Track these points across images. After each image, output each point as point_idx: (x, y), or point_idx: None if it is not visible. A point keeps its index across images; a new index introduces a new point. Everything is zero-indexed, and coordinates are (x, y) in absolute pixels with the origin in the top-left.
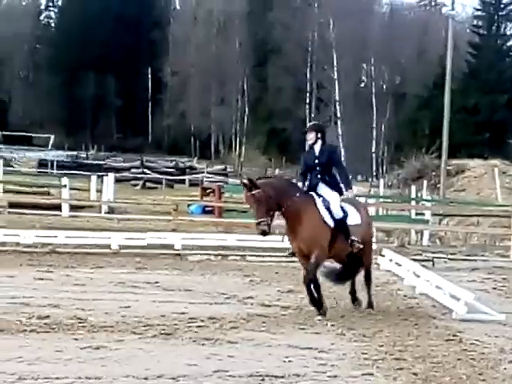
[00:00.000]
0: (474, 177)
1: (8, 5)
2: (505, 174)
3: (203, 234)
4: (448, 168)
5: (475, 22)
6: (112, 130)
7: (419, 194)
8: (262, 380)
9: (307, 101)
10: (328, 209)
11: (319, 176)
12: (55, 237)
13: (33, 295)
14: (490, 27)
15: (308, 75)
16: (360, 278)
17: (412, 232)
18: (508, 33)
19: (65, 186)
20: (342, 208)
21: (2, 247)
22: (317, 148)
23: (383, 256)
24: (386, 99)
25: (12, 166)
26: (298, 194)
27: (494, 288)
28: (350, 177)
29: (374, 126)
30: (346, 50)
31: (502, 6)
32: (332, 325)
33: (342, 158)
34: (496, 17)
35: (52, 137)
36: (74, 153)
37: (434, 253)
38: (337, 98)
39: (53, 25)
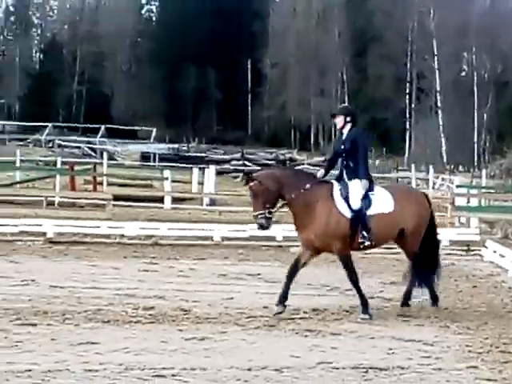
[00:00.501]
0: None
1: (111, 1)
2: None
3: None
4: None
5: None
6: (212, 123)
7: None
8: (366, 372)
9: (407, 91)
10: (346, 198)
11: (345, 162)
12: (158, 229)
13: (138, 287)
14: None
15: (408, 64)
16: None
17: None
18: None
19: (167, 178)
20: (367, 196)
21: (107, 239)
22: (345, 133)
23: (486, 247)
24: (487, 88)
25: (115, 159)
26: (308, 185)
27: None
28: (365, 166)
29: (476, 115)
30: (447, 39)
31: None
32: (436, 317)
33: (443, 148)
34: None
35: (154, 130)
36: (176, 145)
37: None
38: (437, 87)
39: (154, 19)
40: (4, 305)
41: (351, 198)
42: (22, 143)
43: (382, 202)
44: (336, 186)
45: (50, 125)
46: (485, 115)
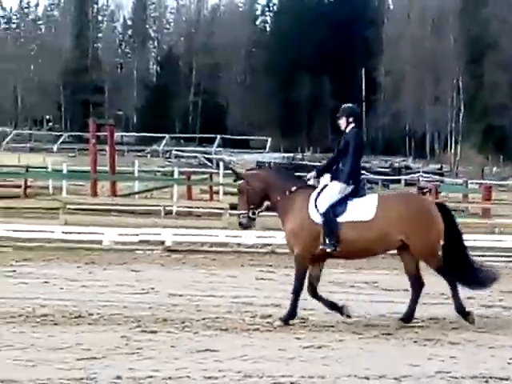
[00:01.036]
0: None
1: (226, 12)
2: None
3: None
4: None
5: None
6: (327, 132)
7: None
8: (486, 382)
9: None
10: (319, 203)
11: (340, 164)
12: (274, 237)
13: (255, 295)
14: None
15: None
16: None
17: None
18: None
19: None
20: (342, 202)
21: (224, 248)
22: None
23: None
24: None
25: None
26: (293, 188)
27: None
28: (348, 170)
29: None
30: None
31: None
32: None
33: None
34: None
35: (269, 139)
36: (290, 154)
37: None
38: None
39: (268, 29)
40: (125, 312)
41: (320, 201)
42: (139, 154)
43: (360, 210)
44: (318, 190)
45: (167, 136)
46: None
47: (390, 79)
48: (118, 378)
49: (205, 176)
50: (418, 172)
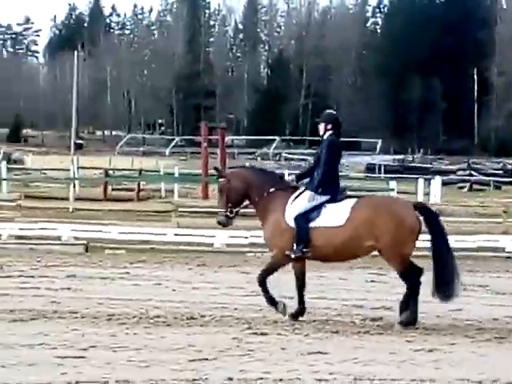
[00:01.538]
0: None
1: (337, 15)
2: None
3: None
4: None
5: None
6: (438, 133)
7: None
8: None
9: None
10: (292, 208)
11: (316, 170)
12: None
13: (365, 297)
14: None
15: None
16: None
17: None
18: None
19: (393, 189)
20: (316, 208)
21: None
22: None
23: None
24: None
25: (341, 171)
26: (272, 189)
27: None
28: (319, 179)
29: None
30: None
31: None
32: None
33: None
34: None
35: (379, 141)
36: (401, 156)
37: None
38: None
39: (379, 31)
40: (236, 314)
41: (292, 207)
42: (250, 157)
43: (332, 215)
44: (296, 194)
45: (277, 138)
46: None
47: (503, 79)
48: (230, 379)
49: None
50: None
